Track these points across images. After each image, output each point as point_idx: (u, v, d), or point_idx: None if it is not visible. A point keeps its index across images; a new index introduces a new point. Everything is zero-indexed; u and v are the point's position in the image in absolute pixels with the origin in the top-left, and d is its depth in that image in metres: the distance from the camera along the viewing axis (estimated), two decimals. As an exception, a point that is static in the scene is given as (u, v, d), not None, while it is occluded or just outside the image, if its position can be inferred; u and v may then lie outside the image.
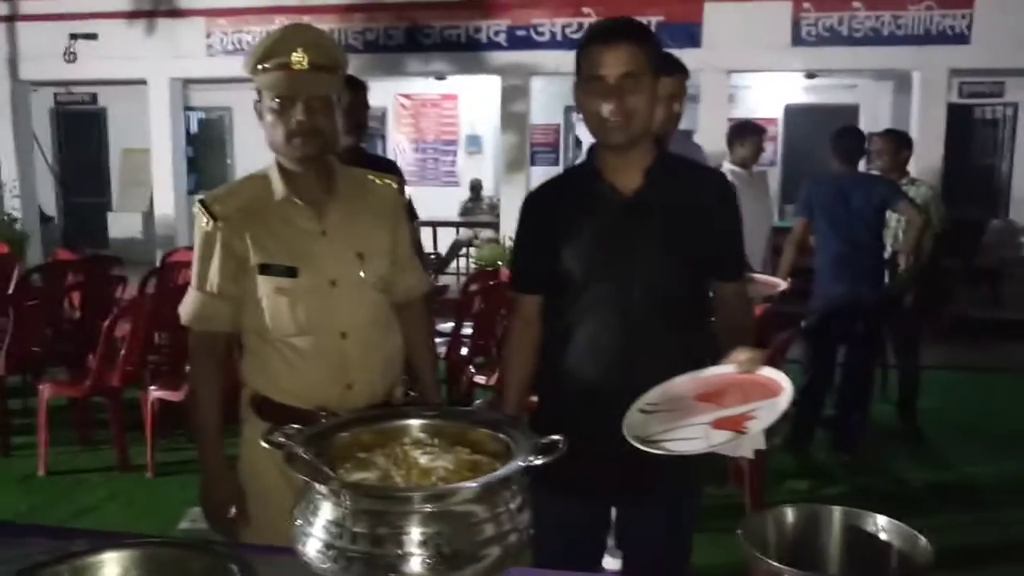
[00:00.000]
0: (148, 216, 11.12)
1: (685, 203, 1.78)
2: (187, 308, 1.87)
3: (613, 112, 1.68)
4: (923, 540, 2.26)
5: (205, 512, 1.92)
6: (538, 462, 1.16)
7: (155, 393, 4.22)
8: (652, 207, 1.75)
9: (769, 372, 1.57)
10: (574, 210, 1.80)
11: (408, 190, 2.13)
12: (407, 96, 11.41)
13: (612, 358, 1.76)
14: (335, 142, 1.82)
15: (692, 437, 1.46)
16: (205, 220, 1.80)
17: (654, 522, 1.89)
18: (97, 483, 4.17)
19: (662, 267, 1.75)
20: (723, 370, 1.63)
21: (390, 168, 3.26)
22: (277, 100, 1.71)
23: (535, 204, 1.90)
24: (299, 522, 1.14)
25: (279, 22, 8.66)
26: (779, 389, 1.50)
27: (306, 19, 8.62)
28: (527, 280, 1.92)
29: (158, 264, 7.49)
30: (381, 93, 10.11)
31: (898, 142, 5.02)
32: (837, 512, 2.40)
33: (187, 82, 9.73)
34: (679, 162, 1.91)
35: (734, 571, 2.33)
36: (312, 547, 1.11)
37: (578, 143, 13.32)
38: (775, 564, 2.06)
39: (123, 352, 4.31)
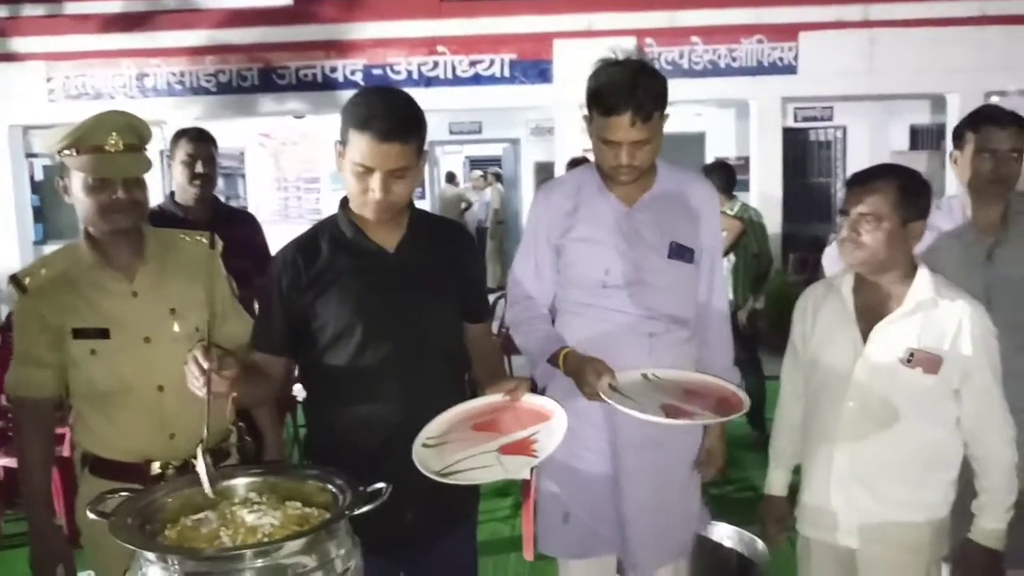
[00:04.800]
0: (-10, 270, 10.46)
1: (442, 256, 1.85)
2: (10, 378, 1.95)
3: (380, 203, 1.69)
4: (760, 544, 2.47)
5: (33, 572, 1.99)
6: (362, 510, 1.22)
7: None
8: (416, 262, 1.80)
9: (534, 398, 1.74)
10: (342, 266, 1.76)
11: None
12: (266, 135, 11.25)
13: (394, 413, 1.75)
14: (147, 211, 1.95)
15: (484, 465, 1.57)
16: (17, 294, 1.89)
17: (443, 559, 1.88)
18: (-64, 564, 3.89)
19: (436, 318, 1.82)
20: (492, 399, 1.75)
21: (246, 219, 3.43)
22: (96, 180, 1.81)
23: (292, 261, 1.78)
24: (130, 589, 1.16)
25: (125, 66, 8.42)
26: (549, 413, 1.67)
27: (155, 61, 8.41)
28: (281, 340, 1.79)
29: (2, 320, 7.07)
30: (240, 133, 9.94)
31: (711, 170, 5.26)
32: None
33: (28, 128, 9.26)
34: (425, 217, 1.92)
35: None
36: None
37: (451, 176, 13.49)
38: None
39: (-40, 421, 4.05)
